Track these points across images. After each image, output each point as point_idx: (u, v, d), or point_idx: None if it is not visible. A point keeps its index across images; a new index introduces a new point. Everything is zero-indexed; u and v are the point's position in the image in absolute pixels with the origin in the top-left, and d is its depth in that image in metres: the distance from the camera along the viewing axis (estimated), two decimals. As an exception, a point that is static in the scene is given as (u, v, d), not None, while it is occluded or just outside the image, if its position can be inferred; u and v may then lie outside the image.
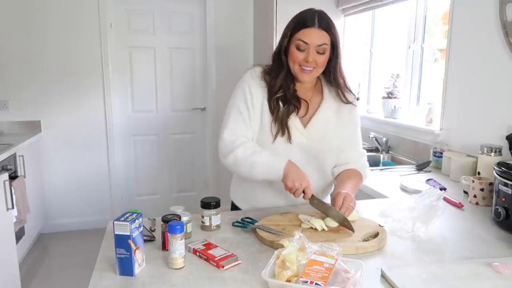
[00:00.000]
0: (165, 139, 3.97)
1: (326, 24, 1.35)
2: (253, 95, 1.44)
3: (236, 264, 1.07)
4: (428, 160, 2.31)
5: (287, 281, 0.92)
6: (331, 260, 0.96)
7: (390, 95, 2.90)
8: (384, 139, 2.77)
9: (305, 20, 1.35)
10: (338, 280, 0.93)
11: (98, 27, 3.57)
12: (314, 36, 1.34)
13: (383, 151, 2.76)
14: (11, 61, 3.43)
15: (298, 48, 1.36)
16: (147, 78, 3.83)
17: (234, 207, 1.63)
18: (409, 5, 2.83)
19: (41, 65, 3.49)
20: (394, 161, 2.66)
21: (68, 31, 3.51)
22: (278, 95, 1.42)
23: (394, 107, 2.84)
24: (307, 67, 1.37)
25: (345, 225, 1.26)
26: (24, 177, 2.97)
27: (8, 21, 3.38)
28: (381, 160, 2.70)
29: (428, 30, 2.77)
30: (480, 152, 1.82)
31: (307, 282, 0.90)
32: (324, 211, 1.32)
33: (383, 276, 1.02)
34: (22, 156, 3.01)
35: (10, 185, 2.57)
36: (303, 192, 1.32)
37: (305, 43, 1.34)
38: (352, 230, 1.24)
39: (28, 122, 3.52)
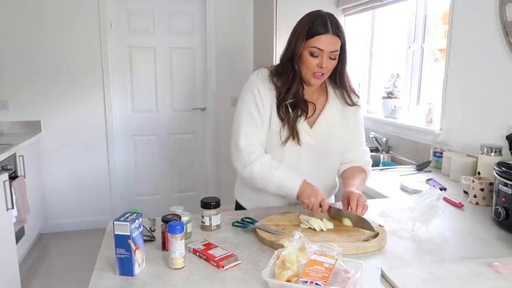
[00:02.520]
0: (165, 139, 3.97)
1: (338, 29, 1.36)
2: (263, 98, 1.44)
3: (236, 264, 1.07)
4: (428, 160, 2.31)
5: (287, 281, 0.92)
6: (331, 260, 0.96)
7: (390, 95, 2.90)
8: (384, 139, 2.78)
9: (318, 26, 1.34)
10: (338, 280, 0.93)
11: (98, 27, 3.56)
12: (328, 43, 1.34)
13: (383, 151, 2.77)
14: (11, 61, 3.43)
15: (312, 55, 1.36)
16: (147, 78, 3.82)
17: (239, 206, 1.64)
18: (409, 5, 2.83)
19: (41, 65, 3.49)
20: (394, 161, 2.67)
21: (68, 31, 3.51)
22: (289, 101, 1.42)
23: (394, 107, 2.84)
24: (319, 72, 1.38)
25: (365, 227, 1.26)
26: (24, 177, 2.97)
27: (9, 21, 3.38)
28: (381, 160, 2.70)
29: (428, 30, 2.77)
30: (480, 152, 1.82)
31: (307, 282, 0.90)
32: (342, 217, 1.33)
33: (383, 276, 1.02)
34: (22, 156, 3.01)
35: (10, 185, 2.57)
36: (320, 206, 1.33)
37: (320, 49, 1.34)
38: (373, 230, 1.24)
39: (28, 122, 3.52)
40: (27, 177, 3.02)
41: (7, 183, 2.51)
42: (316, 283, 0.89)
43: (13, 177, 2.80)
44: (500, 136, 1.85)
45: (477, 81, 2.07)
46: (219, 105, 3.95)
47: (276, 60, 3.30)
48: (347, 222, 1.31)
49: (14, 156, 2.90)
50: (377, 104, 3.19)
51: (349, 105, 1.50)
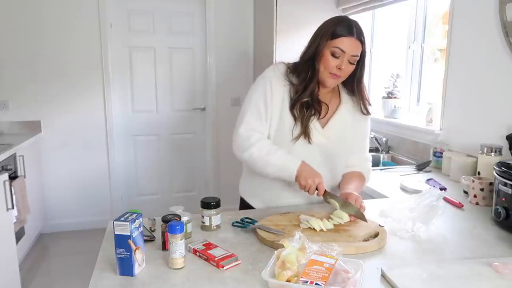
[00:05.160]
0: (165, 139, 3.97)
1: (361, 36, 1.38)
2: (274, 93, 1.44)
3: (236, 264, 1.07)
4: (428, 160, 2.31)
5: (287, 281, 0.92)
6: (331, 260, 0.96)
7: (390, 95, 2.90)
8: (384, 139, 2.77)
9: (343, 28, 1.36)
10: (338, 280, 0.93)
11: (98, 27, 3.56)
12: (351, 46, 1.36)
13: (383, 151, 2.76)
14: (12, 61, 3.43)
15: (333, 55, 1.37)
16: (147, 78, 3.82)
17: (243, 203, 1.64)
18: (409, 5, 2.83)
19: (41, 65, 3.49)
20: (394, 161, 2.66)
21: (68, 31, 3.51)
22: (304, 99, 1.42)
23: (394, 107, 2.84)
24: (336, 73, 1.39)
25: (359, 216, 1.31)
26: (24, 177, 2.97)
27: (9, 21, 3.38)
28: (381, 160, 2.70)
29: (428, 30, 2.77)
30: (480, 152, 1.82)
31: (307, 282, 0.90)
32: (345, 209, 1.35)
33: (383, 276, 1.02)
34: (22, 156, 3.01)
35: (10, 185, 2.57)
36: (316, 189, 1.36)
37: (342, 51, 1.36)
38: (365, 220, 1.30)
39: (28, 122, 3.52)
40: (27, 177, 3.02)
41: (7, 183, 2.51)
42: (316, 283, 0.89)
43: (13, 177, 2.80)
44: (500, 136, 1.85)
45: (477, 81, 2.07)
46: (219, 105, 3.95)
47: (276, 61, 3.33)
48: (343, 216, 1.32)
49: (14, 156, 2.90)
50: (377, 104, 3.19)
51: (364, 114, 1.53)
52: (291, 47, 3.28)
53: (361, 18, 3.38)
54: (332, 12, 3.31)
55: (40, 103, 3.54)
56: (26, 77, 3.48)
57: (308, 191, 1.37)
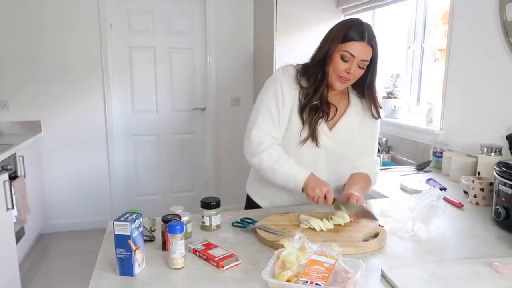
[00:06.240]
0: (165, 139, 3.97)
1: (373, 41, 1.38)
2: (285, 96, 1.44)
3: (236, 264, 1.07)
4: (428, 160, 2.31)
5: (287, 281, 0.92)
6: (331, 260, 0.96)
7: (390, 95, 2.90)
8: (384, 139, 2.77)
9: (355, 32, 1.36)
10: (338, 280, 0.93)
11: (98, 27, 3.56)
12: (361, 51, 1.35)
13: (383, 151, 2.76)
14: (12, 61, 3.43)
15: (343, 59, 1.37)
16: (147, 78, 3.82)
17: (250, 201, 1.64)
18: (409, 5, 2.83)
19: (41, 65, 3.49)
20: (394, 161, 2.66)
21: (68, 31, 3.51)
22: (314, 102, 1.42)
23: (394, 107, 2.84)
24: (345, 77, 1.39)
25: (365, 215, 1.34)
26: (24, 177, 2.97)
27: (9, 21, 3.38)
28: (381, 160, 2.70)
29: (428, 30, 2.77)
30: (480, 152, 1.82)
31: (307, 282, 0.90)
32: (348, 209, 1.36)
33: (383, 276, 1.02)
34: (22, 156, 3.01)
35: (10, 185, 2.57)
36: (325, 197, 1.36)
37: (352, 55, 1.35)
38: (375, 218, 1.33)
39: (28, 122, 3.52)
40: (27, 177, 3.02)
41: (7, 183, 2.51)
42: (316, 283, 0.89)
43: (13, 177, 2.80)
44: (500, 136, 1.85)
45: (477, 81, 2.07)
46: (219, 105, 3.95)
47: (277, 61, 3.33)
48: (344, 216, 1.32)
49: (14, 156, 2.90)
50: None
51: (375, 118, 1.52)
52: (291, 47, 3.29)
53: (361, 18, 3.38)
54: (332, 13, 3.31)
55: (40, 103, 3.54)
56: (26, 77, 3.48)
57: (317, 202, 1.37)
